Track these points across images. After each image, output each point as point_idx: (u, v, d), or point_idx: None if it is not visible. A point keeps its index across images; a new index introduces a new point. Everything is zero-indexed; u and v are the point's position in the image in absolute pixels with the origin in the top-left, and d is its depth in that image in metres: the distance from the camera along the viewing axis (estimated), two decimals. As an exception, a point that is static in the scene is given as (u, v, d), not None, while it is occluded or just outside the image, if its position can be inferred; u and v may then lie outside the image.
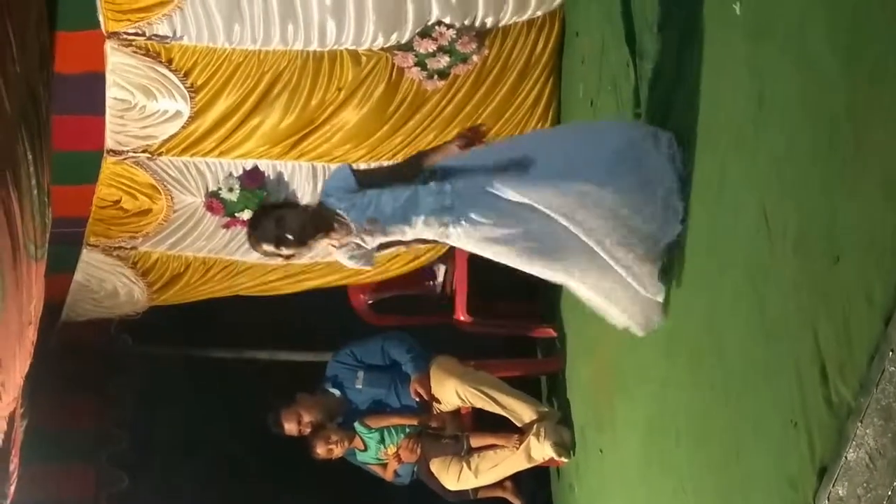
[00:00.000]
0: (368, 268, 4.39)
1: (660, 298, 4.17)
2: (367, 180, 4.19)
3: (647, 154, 4.12)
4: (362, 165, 5.91)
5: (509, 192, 4.02)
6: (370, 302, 6.80)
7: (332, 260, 6.35)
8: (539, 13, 5.90)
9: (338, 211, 4.12)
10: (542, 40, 5.99)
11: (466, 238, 4.13)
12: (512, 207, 4.04)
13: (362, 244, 4.18)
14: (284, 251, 4.21)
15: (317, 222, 4.17)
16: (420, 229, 4.11)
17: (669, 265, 4.15)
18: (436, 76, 5.85)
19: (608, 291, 4.20)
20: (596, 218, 4.00)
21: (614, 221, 4.01)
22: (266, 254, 4.29)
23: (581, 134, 4.58)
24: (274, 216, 4.21)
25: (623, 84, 4.98)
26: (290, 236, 4.15)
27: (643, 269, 4.10)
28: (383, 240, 4.17)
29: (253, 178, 5.97)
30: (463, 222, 4.06)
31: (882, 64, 2.69)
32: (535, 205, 4.01)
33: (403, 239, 4.18)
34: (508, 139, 5.65)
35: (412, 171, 4.22)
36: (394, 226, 4.11)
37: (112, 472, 7.00)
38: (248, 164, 5.97)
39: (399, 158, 5.93)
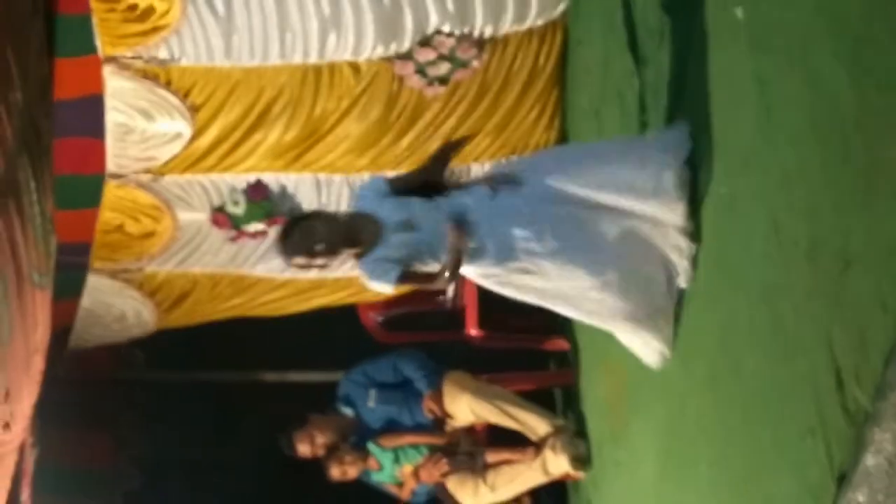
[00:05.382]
0: (388, 290, 4.28)
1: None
2: (401, 186, 4.19)
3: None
4: (366, 175, 5.93)
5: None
6: (380, 320, 6.77)
7: (340, 276, 6.34)
8: (540, 21, 5.88)
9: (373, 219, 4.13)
10: (544, 50, 5.96)
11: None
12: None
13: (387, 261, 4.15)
14: (315, 261, 4.19)
15: (348, 232, 4.16)
16: None
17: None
18: (436, 82, 5.85)
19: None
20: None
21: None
22: (296, 264, 4.26)
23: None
24: (303, 226, 4.18)
25: (628, 93, 4.96)
26: (319, 247, 4.12)
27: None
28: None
29: (258, 191, 5.98)
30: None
31: (889, 74, 2.70)
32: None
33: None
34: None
35: (441, 170, 4.28)
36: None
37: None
38: (252, 178, 5.98)
39: (403, 168, 5.93)
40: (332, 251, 4.15)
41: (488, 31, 5.81)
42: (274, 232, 6.05)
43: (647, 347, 4.34)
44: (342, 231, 4.16)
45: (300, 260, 4.20)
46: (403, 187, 4.20)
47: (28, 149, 4.51)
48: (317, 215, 4.35)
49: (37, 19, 4.85)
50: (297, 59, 5.65)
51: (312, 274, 6.21)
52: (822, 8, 3.08)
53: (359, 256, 4.17)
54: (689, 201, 4.04)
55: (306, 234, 4.14)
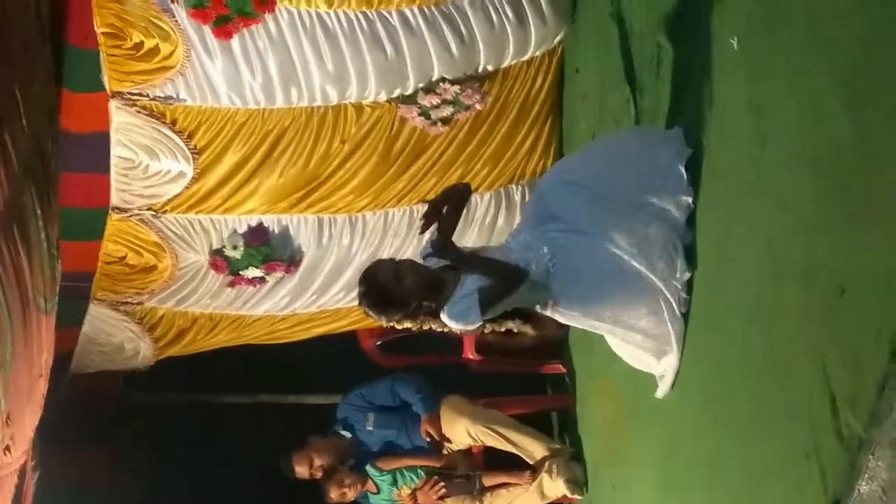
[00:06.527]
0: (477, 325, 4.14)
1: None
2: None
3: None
4: (367, 214, 5.98)
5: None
6: (379, 343, 6.79)
7: (341, 306, 6.36)
8: (538, 53, 5.92)
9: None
10: (540, 77, 6.00)
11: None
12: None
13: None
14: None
15: (433, 281, 4.06)
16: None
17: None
18: (439, 123, 5.85)
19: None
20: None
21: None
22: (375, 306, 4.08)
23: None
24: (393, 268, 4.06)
25: (624, 121, 4.99)
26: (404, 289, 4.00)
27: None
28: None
29: (257, 235, 5.93)
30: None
31: (885, 100, 2.72)
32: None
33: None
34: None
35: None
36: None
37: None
38: (253, 221, 5.93)
39: (403, 204, 6.01)
40: (415, 299, 4.03)
41: (491, 68, 5.84)
42: (272, 279, 6.07)
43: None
44: (427, 280, 4.05)
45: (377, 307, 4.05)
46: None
47: (34, 174, 4.51)
48: (407, 264, 4.14)
49: (44, 46, 4.84)
50: (303, 104, 5.62)
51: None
52: (818, 36, 3.11)
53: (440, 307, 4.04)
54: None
55: (395, 274, 4.03)
